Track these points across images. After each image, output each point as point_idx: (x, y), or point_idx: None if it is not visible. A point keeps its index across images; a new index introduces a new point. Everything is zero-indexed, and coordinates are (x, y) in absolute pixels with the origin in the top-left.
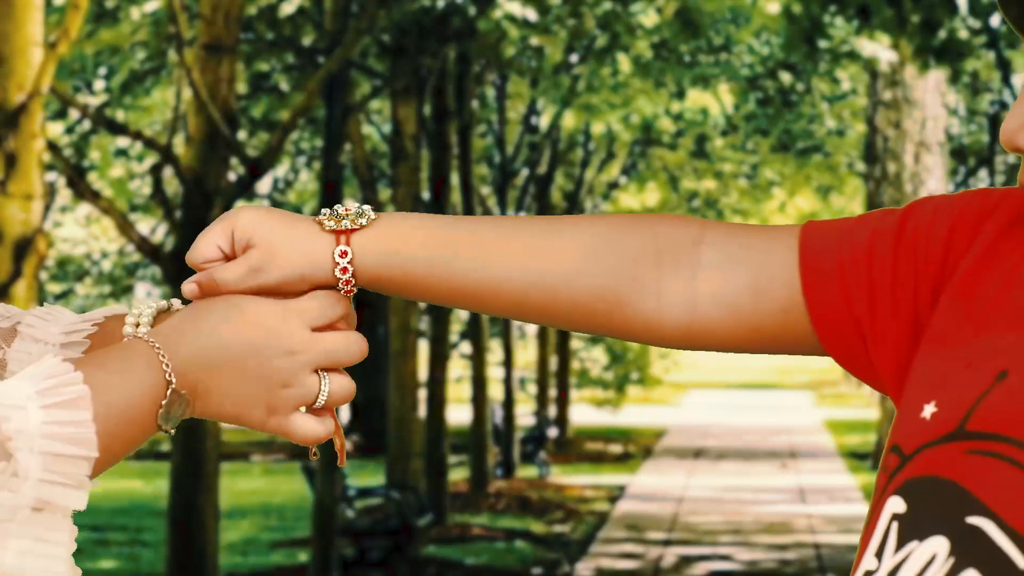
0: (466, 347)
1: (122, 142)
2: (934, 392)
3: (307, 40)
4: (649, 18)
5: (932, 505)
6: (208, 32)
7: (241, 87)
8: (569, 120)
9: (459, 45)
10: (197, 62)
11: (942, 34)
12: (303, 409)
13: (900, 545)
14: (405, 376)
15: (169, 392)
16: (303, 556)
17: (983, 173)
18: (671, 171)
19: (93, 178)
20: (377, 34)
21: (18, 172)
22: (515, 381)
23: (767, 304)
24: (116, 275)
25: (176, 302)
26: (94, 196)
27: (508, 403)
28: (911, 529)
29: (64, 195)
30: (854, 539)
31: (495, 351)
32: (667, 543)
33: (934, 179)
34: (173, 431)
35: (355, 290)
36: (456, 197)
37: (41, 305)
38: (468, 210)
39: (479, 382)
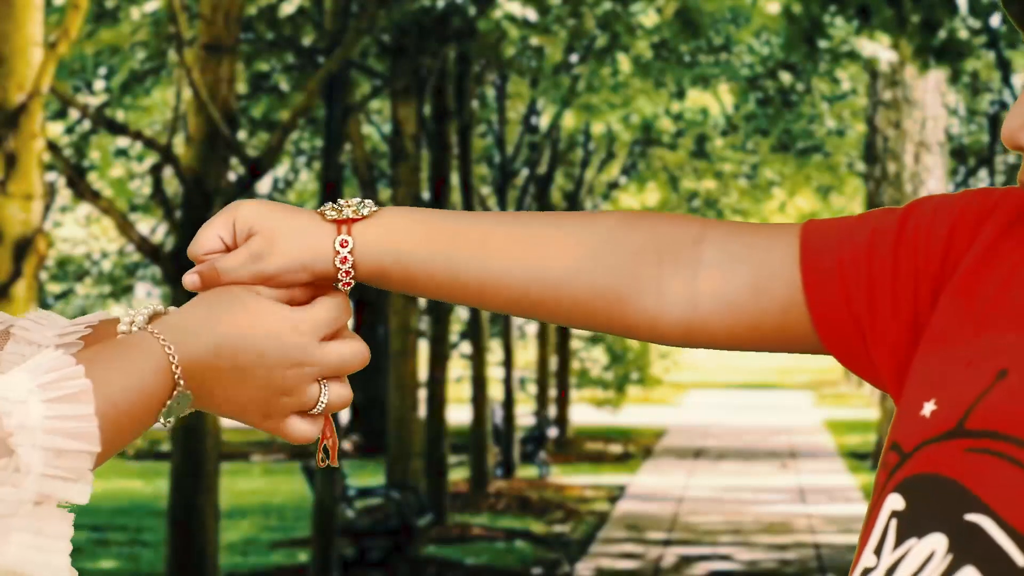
0: (466, 347)
1: (122, 142)
2: (934, 391)
3: (307, 40)
4: (649, 18)
5: (931, 502)
6: (208, 32)
7: (241, 87)
8: (569, 120)
9: (459, 45)
10: (197, 62)
11: (942, 34)
12: None
13: (899, 542)
14: (405, 376)
15: (176, 392)
16: (303, 556)
17: (983, 173)
18: (671, 171)
19: (93, 178)
20: (377, 34)
21: (18, 172)
22: (515, 381)
23: (768, 302)
24: (116, 275)
25: (172, 310)
26: (94, 196)
27: (508, 403)
28: (910, 526)
29: (64, 195)
30: (854, 539)
31: (495, 351)
32: (667, 543)
33: (934, 179)
34: (171, 426)
35: (353, 283)
36: (456, 197)
37: (42, 305)
38: (468, 210)
39: (479, 382)
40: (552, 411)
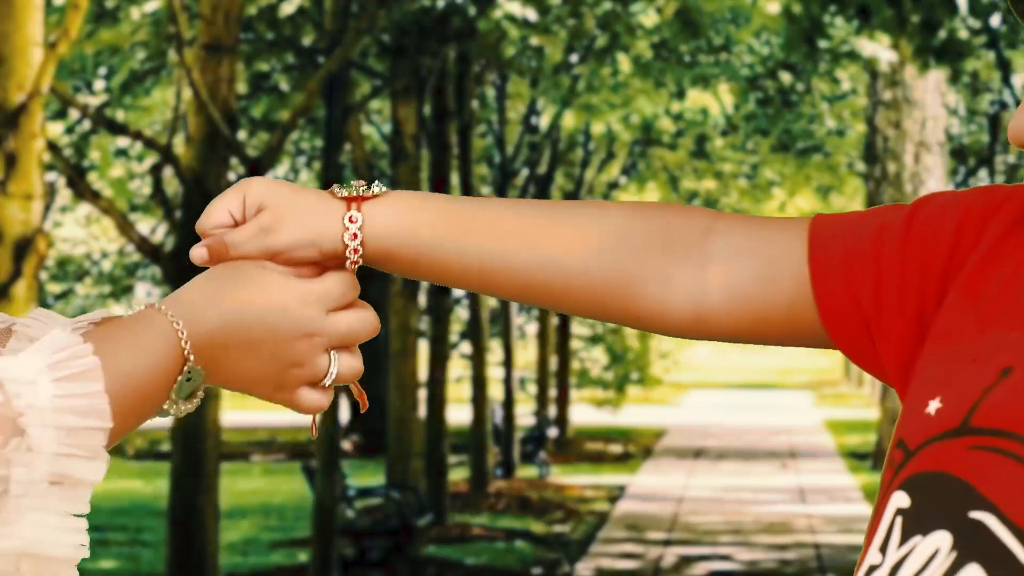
0: (466, 347)
1: (122, 142)
2: (939, 388)
3: (307, 40)
4: (649, 18)
5: (935, 500)
6: (208, 32)
7: (241, 87)
8: (569, 120)
9: (459, 45)
10: (197, 62)
11: (942, 34)
12: None
13: (904, 540)
14: (405, 376)
15: (187, 368)
16: (303, 556)
17: (983, 173)
18: (671, 171)
19: (93, 178)
20: (377, 34)
21: (18, 172)
22: (515, 381)
23: (775, 295)
24: (116, 275)
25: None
26: (94, 196)
27: (508, 403)
28: (915, 524)
29: (64, 195)
30: (854, 539)
31: (495, 351)
32: (667, 543)
33: (934, 179)
34: (184, 405)
35: (360, 261)
36: None
37: (42, 305)
38: None
39: (479, 382)
40: (552, 411)
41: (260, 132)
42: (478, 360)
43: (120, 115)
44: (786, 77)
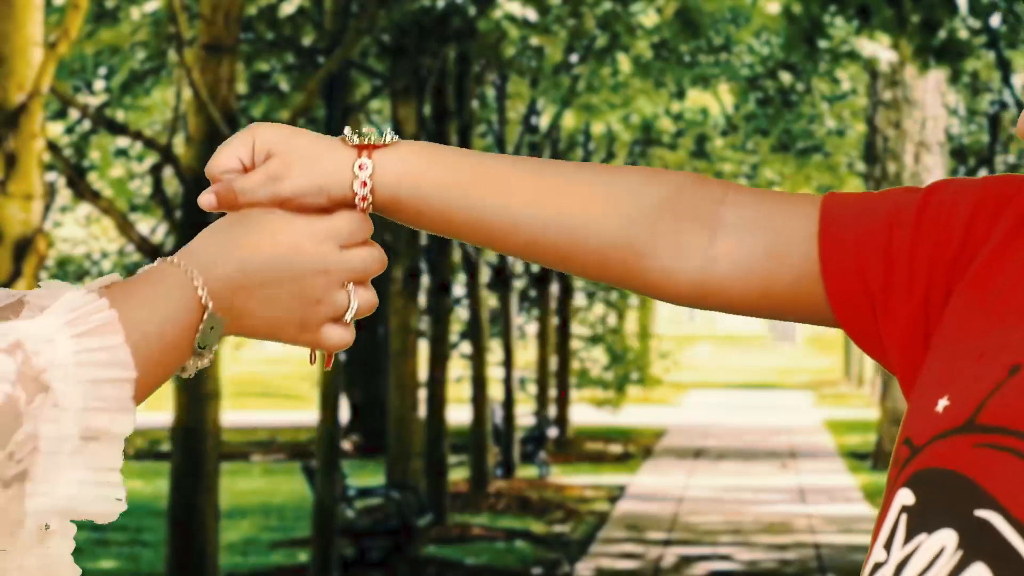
0: (466, 347)
1: (122, 142)
2: (947, 386)
3: (307, 40)
4: (649, 18)
5: (941, 498)
6: (208, 32)
7: (241, 87)
8: (569, 120)
9: (459, 45)
10: (197, 62)
11: (942, 34)
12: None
13: (909, 537)
14: (405, 376)
15: (205, 315)
16: (303, 556)
17: (983, 173)
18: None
19: (93, 178)
20: (377, 34)
21: (18, 172)
22: (515, 381)
23: (783, 270)
24: None
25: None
26: (94, 196)
27: (508, 403)
28: (919, 521)
29: (64, 195)
30: (854, 539)
31: (495, 351)
32: (667, 543)
33: (934, 179)
34: (211, 354)
35: (370, 208)
36: None
37: None
38: None
39: (479, 382)
40: (552, 411)
41: None
42: (478, 360)
43: (120, 115)
44: (786, 77)
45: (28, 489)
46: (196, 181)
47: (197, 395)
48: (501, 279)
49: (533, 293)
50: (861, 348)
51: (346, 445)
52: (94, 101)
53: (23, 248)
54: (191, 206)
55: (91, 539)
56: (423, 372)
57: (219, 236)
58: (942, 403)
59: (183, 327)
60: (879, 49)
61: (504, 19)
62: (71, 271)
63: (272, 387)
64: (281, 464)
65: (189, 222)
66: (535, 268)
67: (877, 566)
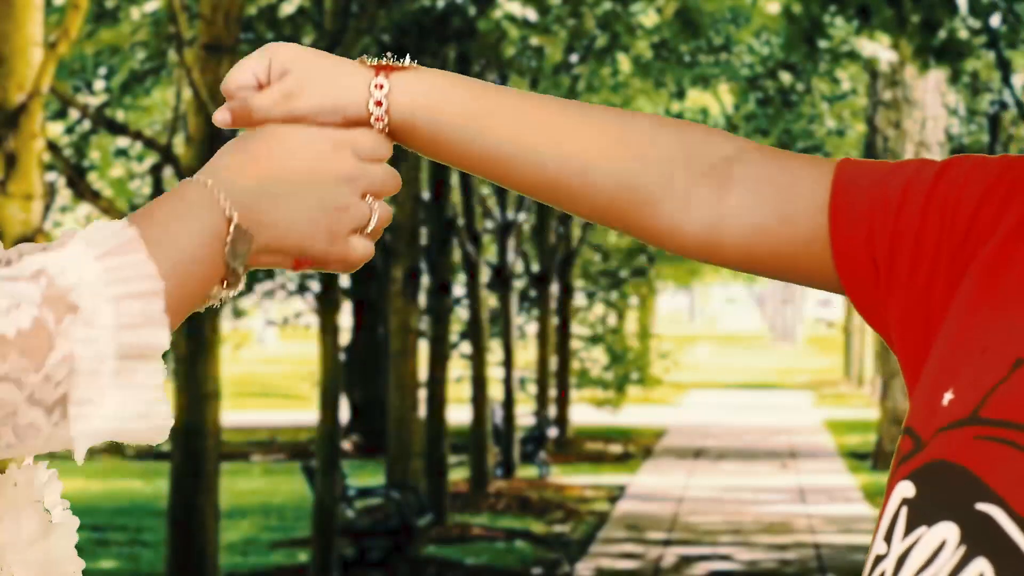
0: (466, 347)
1: (122, 142)
2: (952, 380)
3: (307, 40)
4: (649, 18)
5: (941, 490)
6: (208, 32)
7: None
8: None
9: (459, 45)
10: (197, 62)
11: (942, 34)
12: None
13: (909, 530)
14: (405, 376)
15: (232, 228)
16: (303, 556)
17: None
18: None
19: (93, 178)
20: (377, 34)
21: (18, 172)
22: (515, 381)
23: (791, 232)
24: None
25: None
26: (94, 196)
27: (508, 403)
28: (920, 514)
29: (64, 195)
30: (854, 539)
31: (495, 351)
32: (667, 543)
33: None
34: (243, 270)
35: (386, 129)
36: (456, 197)
37: None
38: (468, 210)
39: (479, 382)
40: (552, 411)
41: None
42: (478, 360)
43: (120, 115)
44: (786, 77)
45: (72, 412)
46: None
47: (197, 395)
48: (501, 279)
49: (533, 293)
50: (864, 319)
51: (346, 445)
52: (94, 101)
53: None
54: None
55: (91, 539)
56: (423, 372)
57: (239, 149)
58: (947, 396)
59: (211, 240)
60: (879, 49)
61: (504, 19)
62: None
63: (272, 387)
64: (281, 464)
65: None
66: (535, 268)
67: (879, 558)
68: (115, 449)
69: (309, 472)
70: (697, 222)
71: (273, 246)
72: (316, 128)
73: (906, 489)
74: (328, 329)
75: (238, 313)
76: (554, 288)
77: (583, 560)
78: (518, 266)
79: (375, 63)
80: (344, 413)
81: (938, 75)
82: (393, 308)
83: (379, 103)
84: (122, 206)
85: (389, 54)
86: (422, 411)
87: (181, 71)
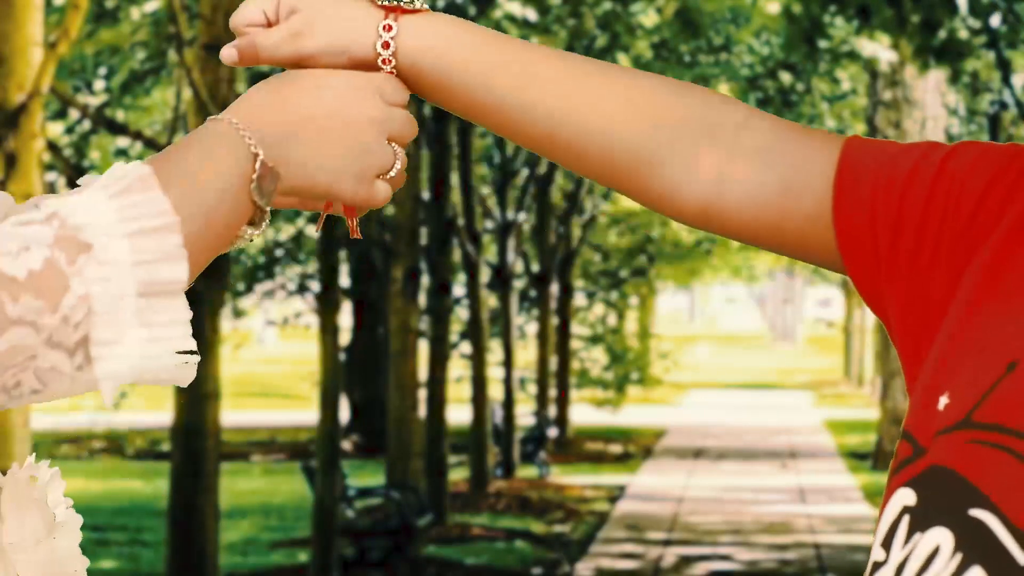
0: (466, 347)
1: (122, 142)
2: (948, 383)
3: None
4: (649, 18)
5: (937, 496)
6: (208, 32)
7: (241, 87)
8: None
9: None
10: (197, 62)
11: (942, 34)
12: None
13: (909, 537)
14: (405, 376)
15: (258, 165)
16: (303, 556)
17: None
18: None
19: None
20: None
21: (18, 172)
22: (515, 381)
23: (793, 207)
24: None
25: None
26: None
27: (508, 403)
28: (918, 521)
29: None
30: (854, 539)
31: (495, 351)
32: (667, 543)
33: None
34: (268, 211)
35: (393, 73)
36: (456, 197)
37: None
38: (468, 210)
39: (479, 382)
40: (552, 411)
41: None
42: (478, 360)
43: (120, 115)
44: (786, 77)
45: (94, 353)
46: None
47: (197, 395)
48: (501, 279)
49: (533, 293)
50: (864, 301)
51: (346, 445)
52: (94, 101)
53: None
54: None
55: (91, 539)
56: (423, 372)
57: (264, 88)
58: (943, 400)
59: (240, 181)
60: (879, 49)
61: (504, 19)
62: None
63: (272, 387)
64: (281, 464)
65: None
66: (535, 268)
67: (877, 565)
68: (115, 449)
69: (309, 472)
70: (698, 189)
71: (300, 187)
72: (344, 71)
73: (906, 496)
74: (328, 329)
75: (238, 313)
76: (554, 288)
77: (583, 560)
78: (518, 266)
79: (385, 3)
80: (344, 413)
81: (938, 75)
82: (393, 308)
83: (387, 44)
84: None
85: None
86: (422, 411)
87: (181, 71)
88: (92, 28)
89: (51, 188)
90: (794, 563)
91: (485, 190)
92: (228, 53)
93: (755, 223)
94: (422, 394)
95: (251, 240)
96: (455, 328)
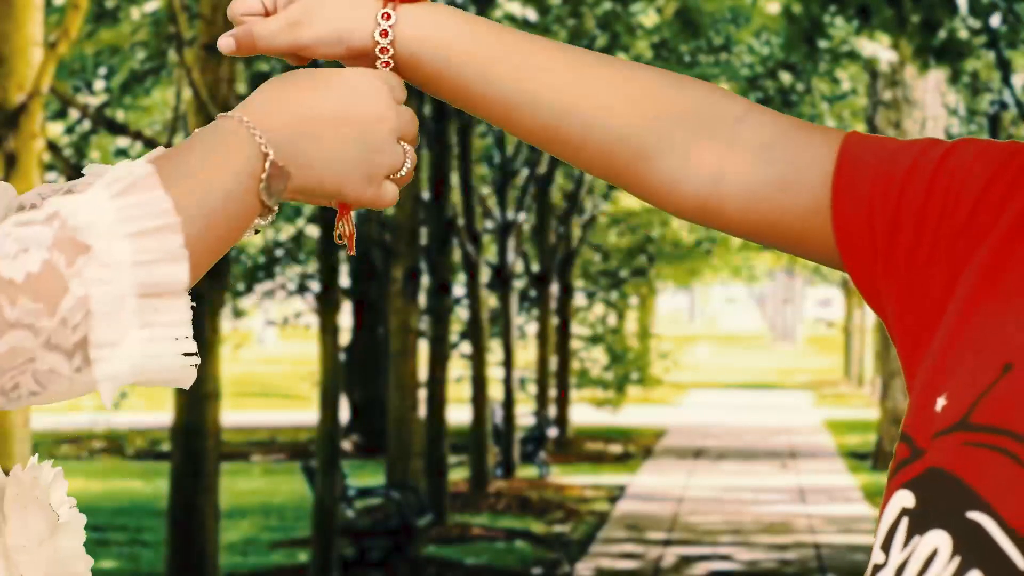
0: (466, 347)
1: (122, 142)
2: (945, 384)
3: None
4: (649, 18)
5: (934, 497)
6: (208, 32)
7: (241, 87)
8: None
9: None
10: (197, 62)
11: (942, 34)
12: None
13: (908, 540)
14: (405, 376)
15: (268, 165)
16: (303, 556)
17: None
18: None
19: None
20: None
21: (18, 172)
22: (515, 381)
23: (792, 200)
24: None
25: None
26: None
27: (508, 403)
28: (917, 524)
29: None
30: (854, 539)
31: (495, 351)
32: (667, 543)
33: None
34: (277, 207)
35: (391, 63)
36: (456, 197)
37: None
38: (468, 210)
39: (479, 382)
40: (552, 411)
41: None
42: (478, 360)
43: (120, 115)
44: (786, 77)
45: (93, 355)
46: None
47: (197, 395)
48: (501, 279)
49: (533, 293)
50: (864, 298)
51: (346, 445)
52: (94, 101)
53: None
54: None
55: (91, 539)
56: (423, 372)
57: (275, 86)
58: (940, 402)
59: (249, 181)
60: (879, 49)
61: (504, 19)
62: None
63: (272, 387)
64: (281, 464)
65: None
66: (535, 268)
67: (877, 568)
68: (115, 449)
69: (309, 472)
70: (695, 184)
71: (308, 187)
72: (357, 69)
73: (905, 498)
74: (328, 329)
75: (238, 313)
76: (554, 288)
77: (583, 560)
78: (518, 266)
79: None
80: (344, 413)
81: (938, 75)
82: (393, 308)
83: (385, 33)
84: None
85: None
86: (422, 411)
87: (181, 71)
88: (92, 28)
89: None
90: (794, 563)
91: (485, 190)
92: (225, 42)
93: (753, 218)
94: (422, 394)
95: (256, 232)
96: (455, 328)
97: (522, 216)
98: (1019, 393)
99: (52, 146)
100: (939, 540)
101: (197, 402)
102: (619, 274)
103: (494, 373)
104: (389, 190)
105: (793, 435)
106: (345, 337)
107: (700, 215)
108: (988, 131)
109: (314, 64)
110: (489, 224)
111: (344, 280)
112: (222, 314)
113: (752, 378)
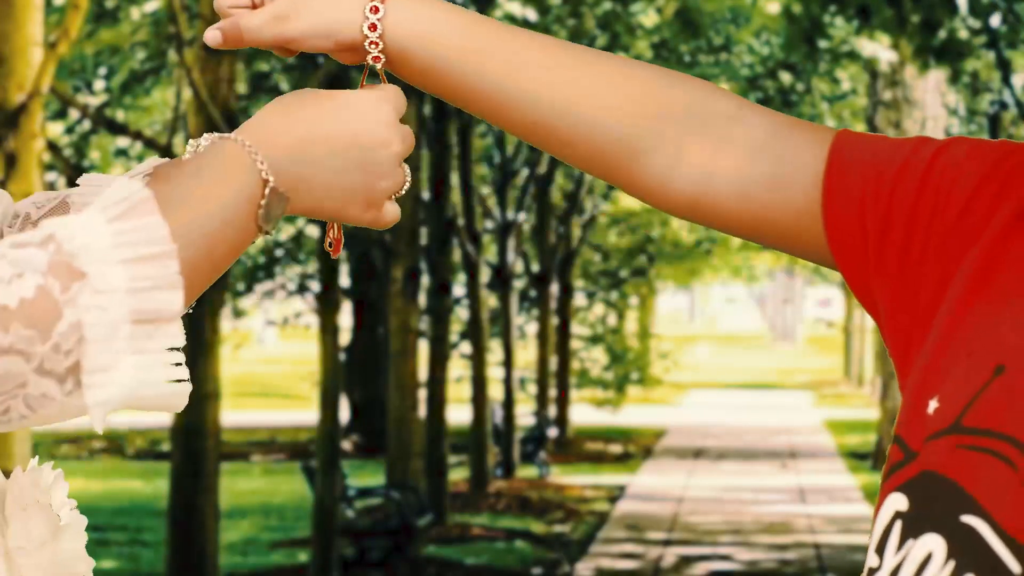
0: (466, 347)
1: (122, 142)
2: (937, 387)
3: None
4: (649, 18)
5: (928, 501)
6: None
7: (241, 87)
8: None
9: None
10: (197, 62)
11: (942, 34)
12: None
13: (902, 543)
14: (405, 376)
15: (267, 191)
16: (303, 556)
17: None
18: None
19: None
20: None
21: (18, 172)
22: (515, 381)
23: (783, 199)
24: None
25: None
26: None
27: (508, 403)
28: (910, 527)
29: None
30: (854, 539)
31: (495, 351)
32: (667, 543)
33: None
34: (274, 232)
35: (381, 57)
36: (456, 197)
37: None
38: (468, 210)
39: (479, 382)
40: (552, 411)
41: None
42: (478, 360)
43: (120, 115)
44: (786, 77)
45: (85, 380)
46: None
47: (197, 395)
48: (501, 279)
49: (533, 293)
50: (856, 297)
51: (346, 445)
52: (94, 101)
53: None
54: None
55: (91, 539)
56: (423, 372)
57: (278, 110)
58: (932, 404)
59: (247, 206)
60: (879, 49)
61: (504, 19)
62: None
63: (272, 387)
64: (281, 464)
65: None
66: (535, 268)
67: (872, 571)
68: (115, 449)
69: (309, 472)
70: (687, 181)
71: (306, 210)
72: (362, 91)
73: (899, 501)
74: (328, 329)
75: (238, 313)
76: (554, 288)
77: (583, 560)
78: (518, 266)
79: None
80: (344, 413)
81: (938, 75)
82: (393, 308)
83: (373, 27)
84: None
85: None
86: (422, 411)
87: (181, 71)
88: (92, 28)
89: (51, 188)
90: (794, 563)
91: (485, 190)
92: (212, 35)
93: (746, 217)
94: (422, 394)
95: (252, 241)
96: (455, 328)
97: (522, 216)
98: (1012, 395)
99: (52, 146)
100: (933, 544)
101: (197, 402)
102: (619, 274)
103: (494, 373)
104: (389, 211)
105: (793, 435)
106: (345, 337)
107: (693, 213)
108: (988, 131)
109: (302, 56)
110: (489, 224)
111: (344, 280)
112: (222, 314)
113: (752, 378)
